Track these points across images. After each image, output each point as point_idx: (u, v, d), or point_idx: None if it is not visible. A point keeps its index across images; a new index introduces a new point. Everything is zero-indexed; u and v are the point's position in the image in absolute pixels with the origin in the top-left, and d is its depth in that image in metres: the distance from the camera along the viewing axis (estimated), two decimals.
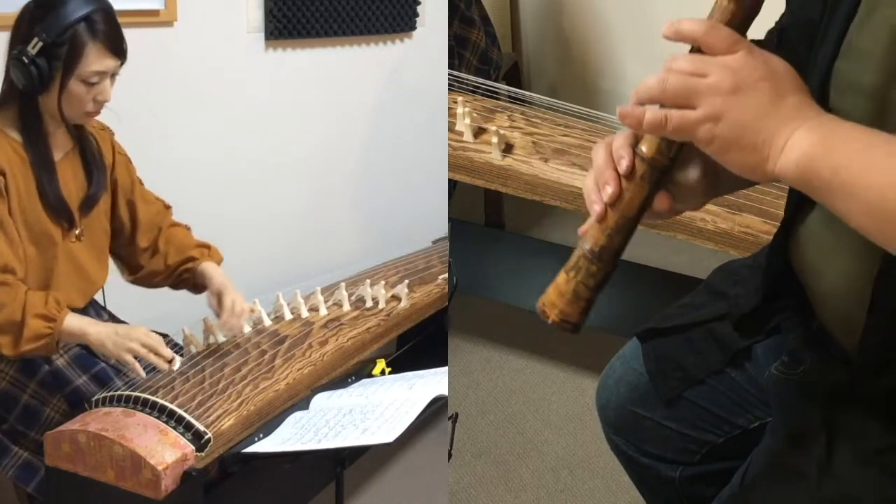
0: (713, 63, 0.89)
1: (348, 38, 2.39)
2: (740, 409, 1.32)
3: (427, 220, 2.26)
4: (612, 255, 0.98)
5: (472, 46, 2.48)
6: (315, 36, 2.30)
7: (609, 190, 0.96)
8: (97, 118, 1.61)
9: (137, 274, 1.75)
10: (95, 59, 1.50)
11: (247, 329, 1.79)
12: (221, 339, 1.73)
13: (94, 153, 1.63)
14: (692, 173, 1.00)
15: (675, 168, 0.98)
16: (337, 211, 2.51)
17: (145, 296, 1.78)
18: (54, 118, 1.55)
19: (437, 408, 1.61)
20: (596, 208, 0.97)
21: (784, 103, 0.89)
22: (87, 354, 1.60)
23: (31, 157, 1.53)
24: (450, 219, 2.09)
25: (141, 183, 1.73)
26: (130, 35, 1.81)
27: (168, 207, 1.76)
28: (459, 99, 2.14)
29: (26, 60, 1.47)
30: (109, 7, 1.53)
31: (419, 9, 2.48)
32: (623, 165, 0.95)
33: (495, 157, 2.03)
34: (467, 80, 2.24)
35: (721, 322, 1.31)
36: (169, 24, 1.99)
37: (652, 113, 0.91)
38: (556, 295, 0.99)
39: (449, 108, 2.13)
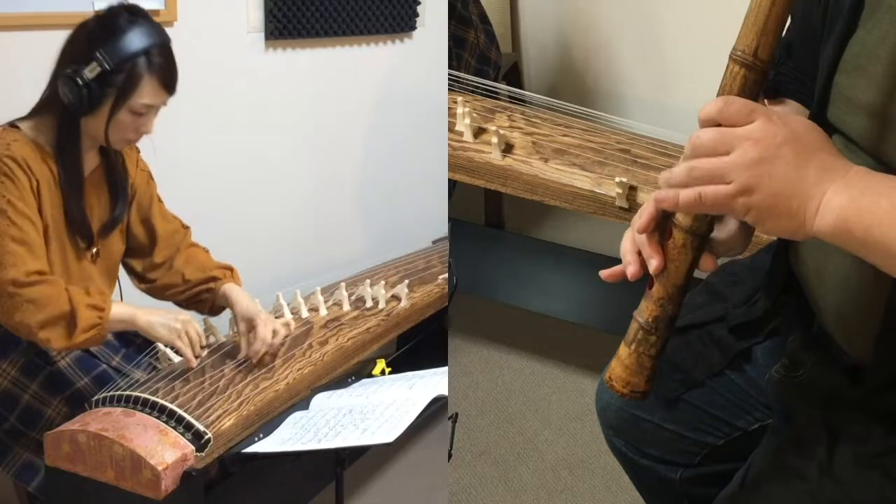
0: (734, 136, 0.91)
1: (348, 38, 2.38)
2: (740, 410, 1.32)
3: (427, 220, 2.26)
4: (668, 323, 1.03)
5: (469, 47, 2.48)
6: (315, 36, 2.30)
7: (654, 263, 1.00)
8: None
9: (150, 284, 1.73)
10: (149, 93, 1.50)
11: None
12: (222, 339, 1.73)
13: (120, 174, 1.63)
14: (730, 226, 1.04)
15: (713, 230, 1.01)
16: (337, 211, 2.51)
17: (147, 296, 1.77)
18: (92, 139, 1.55)
19: (437, 408, 1.61)
20: (631, 269, 1.02)
21: (810, 165, 0.90)
22: (88, 357, 1.60)
23: (63, 173, 1.52)
24: (450, 219, 2.09)
25: (160, 201, 1.72)
26: None
27: (186, 228, 1.75)
28: (459, 99, 2.14)
29: (80, 82, 1.46)
30: (169, 41, 1.53)
31: (419, 9, 2.48)
32: (653, 265, 1.01)
33: (495, 157, 2.03)
34: (467, 80, 2.24)
35: (720, 324, 1.31)
36: (169, 24, 1.99)
37: (685, 193, 0.93)
38: (620, 369, 1.05)
39: (449, 108, 2.13)
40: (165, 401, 1.48)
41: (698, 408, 1.33)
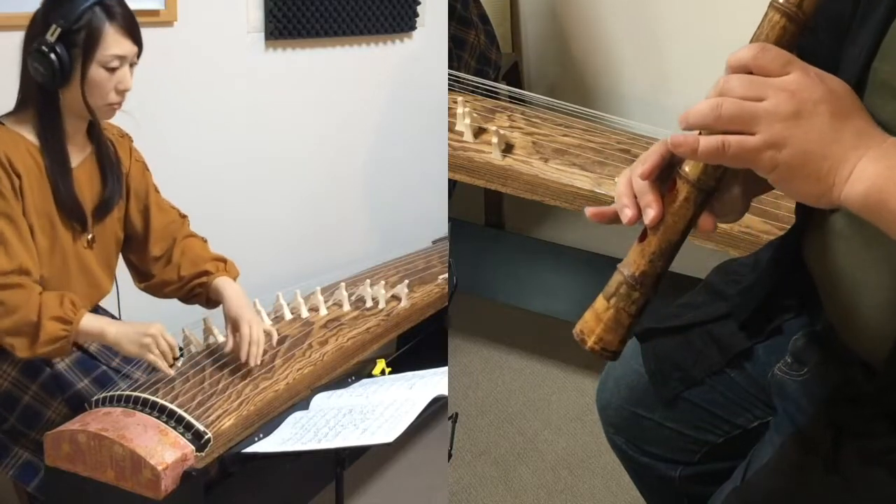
0: (768, 85, 0.85)
1: (348, 38, 2.38)
2: (740, 408, 1.32)
3: (427, 220, 2.26)
4: (655, 281, 0.94)
5: (469, 47, 2.48)
6: (315, 36, 2.30)
7: (651, 213, 0.92)
8: (117, 125, 1.61)
9: (149, 282, 1.72)
10: (114, 43, 1.49)
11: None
12: (221, 339, 1.73)
13: (111, 158, 1.61)
14: (734, 189, 0.98)
15: (720, 188, 0.93)
16: (336, 211, 2.51)
17: (144, 296, 1.77)
18: (76, 115, 1.53)
19: (437, 408, 1.61)
20: (627, 213, 0.94)
21: (846, 128, 0.85)
22: (87, 358, 1.60)
23: (48, 156, 1.51)
24: (450, 219, 2.09)
25: (157, 191, 1.71)
26: None
27: (184, 217, 1.74)
28: (459, 99, 2.14)
29: (46, 49, 1.46)
30: None
31: (419, 9, 2.48)
32: (650, 216, 0.92)
33: (495, 157, 2.03)
34: (467, 80, 2.24)
35: (719, 323, 1.31)
36: (169, 24, 1.99)
37: (707, 140, 0.86)
38: (594, 321, 0.96)
39: (449, 108, 2.13)
40: (165, 401, 1.48)
41: (698, 406, 1.33)
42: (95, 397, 1.52)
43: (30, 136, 1.51)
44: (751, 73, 0.87)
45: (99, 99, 1.52)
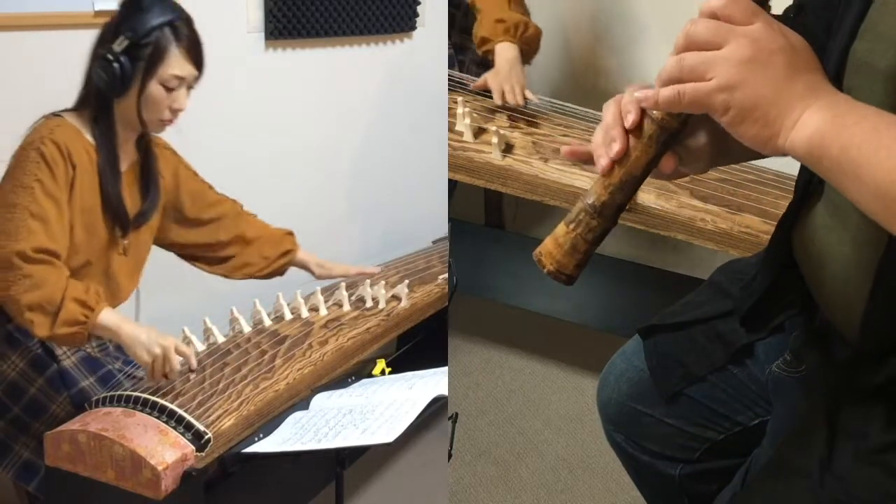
0: (731, 32, 0.89)
1: (348, 38, 2.38)
2: (741, 405, 1.32)
3: (427, 220, 2.26)
4: (614, 211, 0.99)
5: (471, 53, 2.49)
6: (315, 36, 2.30)
7: (616, 147, 0.97)
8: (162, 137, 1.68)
9: (226, 264, 1.84)
10: (176, 63, 1.55)
11: (246, 329, 1.79)
12: (221, 339, 1.73)
13: (154, 171, 1.67)
14: (700, 138, 1.02)
15: (685, 131, 0.98)
16: (337, 211, 2.51)
17: (146, 296, 1.78)
18: (128, 125, 1.59)
19: (437, 408, 1.61)
20: (602, 162, 0.98)
21: (799, 78, 0.89)
22: (93, 357, 1.60)
23: (101, 156, 1.56)
24: (450, 219, 2.09)
25: (211, 188, 1.81)
26: None
27: (235, 202, 1.87)
28: (459, 99, 2.14)
29: (111, 57, 1.51)
30: (191, 19, 1.59)
31: (419, 9, 2.48)
32: (629, 120, 0.96)
33: (495, 157, 2.03)
34: (467, 80, 2.25)
35: (723, 319, 1.31)
36: None
37: (665, 90, 0.92)
38: (553, 245, 1.01)
39: (449, 109, 2.13)
40: (165, 401, 1.48)
41: (699, 402, 1.33)
42: (96, 397, 1.52)
43: (86, 134, 1.56)
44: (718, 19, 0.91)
45: (153, 114, 1.58)
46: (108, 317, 1.49)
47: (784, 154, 0.91)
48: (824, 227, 1.10)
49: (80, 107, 1.58)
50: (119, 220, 1.60)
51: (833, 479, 1.03)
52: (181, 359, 1.55)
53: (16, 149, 1.52)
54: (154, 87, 1.55)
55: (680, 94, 0.91)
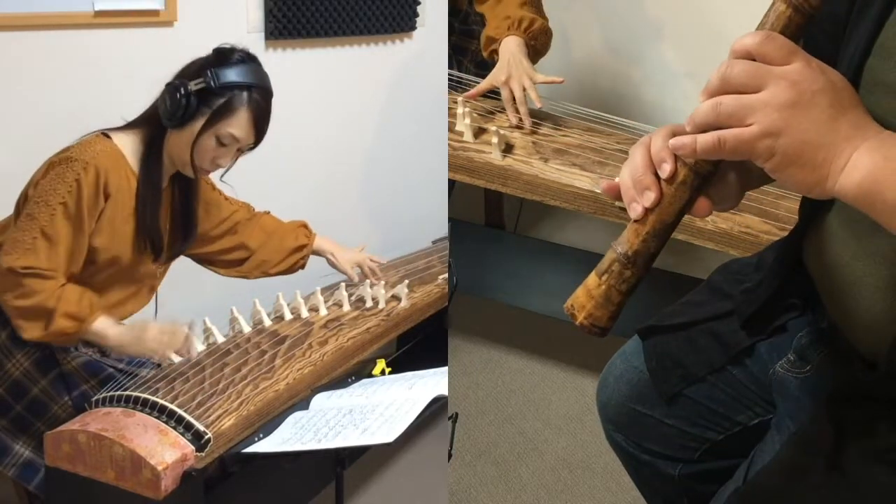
0: (769, 73, 0.86)
1: (348, 38, 2.38)
2: (740, 406, 1.32)
3: (427, 220, 2.26)
4: (647, 260, 0.96)
5: (470, 54, 2.49)
6: (315, 36, 2.30)
7: (651, 196, 0.93)
8: None
9: (242, 266, 1.85)
10: (238, 125, 1.58)
11: (246, 329, 1.79)
12: (221, 339, 1.73)
13: (194, 210, 1.70)
14: (730, 176, 0.99)
15: (718, 173, 0.95)
16: (337, 211, 2.51)
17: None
18: (170, 157, 1.61)
19: (437, 408, 1.61)
20: (636, 209, 0.95)
21: (843, 118, 0.86)
22: (96, 361, 1.61)
23: (142, 183, 1.58)
24: (450, 219, 2.09)
25: (223, 196, 1.82)
26: (131, 35, 1.82)
27: (248, 206, 1.87)
28: (459, 99, 2.14)
29: (183, 91, 1.53)
30: (271, 91, 1.62)
31: (419, 9, 2.48)
32: (666, 171, 0.93)
33: (495, 157, 2.03)
34: (467, 80, 2.24)
35: (722, 320, 1.31)
36: (169, 24, 1.99)
37: (704, 138, 0.88)
38: (585, 297, 0.98)
39: (449, 108, 2.13)
40: (165, 401, 1.48)
41: (699, 403, 1.33)
42: (95, 397, 1.52)
43: (130, 156, 1.58)
44: (754, 60, 0.87)
45: (196, 159, 1.59)
46: (97, 325, 1.54)
47: (832, 197, 0.88)
48: (836, 238, 1.08)
49: (133, 126, 1.60)
50: (153, 245, 1.63)
51: (839, 478, 1.03)
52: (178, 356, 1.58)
53: (58, 150, 1.53)
54: (208, 137, 1.57)
55: (721, 141, 0.87)
